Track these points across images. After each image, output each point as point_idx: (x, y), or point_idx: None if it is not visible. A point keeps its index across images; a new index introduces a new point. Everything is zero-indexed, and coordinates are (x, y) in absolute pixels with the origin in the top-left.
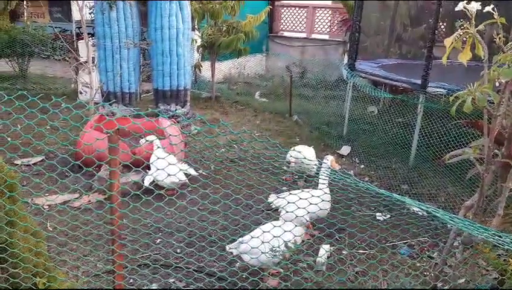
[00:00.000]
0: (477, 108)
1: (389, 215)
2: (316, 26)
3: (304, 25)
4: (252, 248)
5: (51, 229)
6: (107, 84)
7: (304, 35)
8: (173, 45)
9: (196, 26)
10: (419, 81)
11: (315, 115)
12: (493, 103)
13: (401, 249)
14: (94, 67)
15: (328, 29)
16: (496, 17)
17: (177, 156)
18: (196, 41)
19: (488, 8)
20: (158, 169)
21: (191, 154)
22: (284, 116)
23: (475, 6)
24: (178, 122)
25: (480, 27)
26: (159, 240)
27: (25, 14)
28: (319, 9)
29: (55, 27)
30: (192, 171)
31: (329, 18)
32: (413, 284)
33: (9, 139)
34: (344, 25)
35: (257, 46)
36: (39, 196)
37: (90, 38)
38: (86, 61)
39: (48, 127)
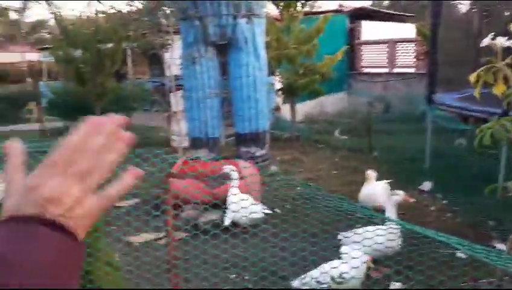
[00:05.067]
0: None
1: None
2: (398, 60)
3: (386, 60)
4: (303, 283)
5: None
6: (194, 131)
7: (385, 70)
8: (251, 91)
9: (277, 72)
10: (498, 110)
11: (396, 150)
12: None
13: None
14: (183, 116)
15: (410, 62)
16: None
17: (253, 196)
18: (274, 85)
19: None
20: (236, 209)
21: (267, 195)
22: (363, 153)
23: (502, 42)
24: (257, 163)
25: (507, 60)
26: (233, 275)
27: (129, 73)
28: (399, 43)
29: (154, 81)
30: (267, 211)
31: (411, 51)
32: None
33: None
34: (426, 57)
35: (337, 84)
36: (130, 235)
37: (180, 91)
38: (175, 112)
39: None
